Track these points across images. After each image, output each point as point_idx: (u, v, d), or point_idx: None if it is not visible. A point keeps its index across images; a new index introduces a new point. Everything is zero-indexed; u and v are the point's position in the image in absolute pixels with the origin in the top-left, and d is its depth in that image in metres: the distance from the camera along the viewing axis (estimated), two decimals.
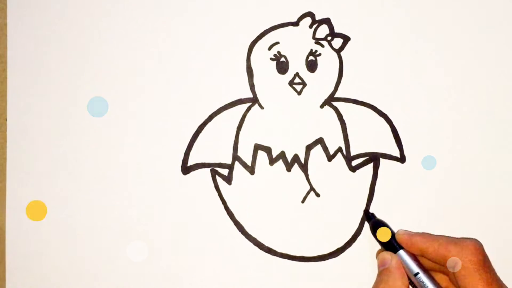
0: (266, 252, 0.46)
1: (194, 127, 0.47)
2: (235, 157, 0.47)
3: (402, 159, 0.46)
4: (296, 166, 0.46)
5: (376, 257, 0.44)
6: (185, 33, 0.47)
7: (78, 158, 0.46)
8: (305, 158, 0.46)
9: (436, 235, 0.41)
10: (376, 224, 0.43)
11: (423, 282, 0.40)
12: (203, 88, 0.47)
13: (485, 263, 0.39)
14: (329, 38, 0.46)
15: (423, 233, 0.42)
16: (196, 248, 0.46)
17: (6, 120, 0.47)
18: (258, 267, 0.46)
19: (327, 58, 0.46)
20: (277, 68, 0.46)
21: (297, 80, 0.46)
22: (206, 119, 0.47)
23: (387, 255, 0.42)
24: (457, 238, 0.40)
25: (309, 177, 0.46)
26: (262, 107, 0.47)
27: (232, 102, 0.47)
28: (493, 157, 0.46)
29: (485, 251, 0.40)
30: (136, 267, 0.46)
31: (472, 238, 0.40)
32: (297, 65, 0.46)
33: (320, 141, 0.46)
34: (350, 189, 0.46)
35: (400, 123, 0.46)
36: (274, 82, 0.47)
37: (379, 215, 0.46)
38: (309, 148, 0.46)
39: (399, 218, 0.46)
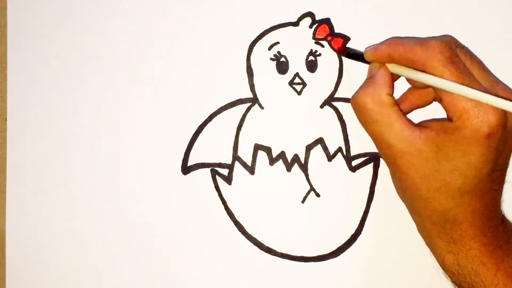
0: (266, 252, 0.46)
1: (194, 127, 0.47)
2: (235, 157, 0.47)
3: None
4: (296, 166, 0.46)
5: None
6: (185, 33, 0.47)
7: (78, 158, 0.46)
8: (305, 158, 0.46)
9: (404, 38, 0.39)
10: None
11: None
12: (203, 88, 0.47)
13: (453, 57, 0.36)
14: (329, 38, 0.46)
15: (390, 39, 0.39)
16: (196, 248, 0.46)
17: (6, 120, 0.47)
18: (258, 267, 0.46)
19: (327, 58, 0.46)
20: (277, 68, 0.46)
21: (297, 80, 0.46)
22: (206, 119, 0.47)
23: (376, 64, 0.39)
24: (425, 38, 0.38)
25: (309, 177, 0.46)
26: (262, 107, 0.47)
27: (232, 102, 0.47)
28: None
29: (458, 46, 0.38)
30: (136, 267, 0.46)
31: (443, 36, 0.39)
32: (297, 65, 0.46)
33: (320, 141, 0.46)
34: (350, 189, 0.46)
35: None
36: (274, 82, 0.47)
37: (379, 215, 0.46)
38: (309, 148, 0.46)
39: (399, 218, 0.46)
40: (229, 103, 0.47)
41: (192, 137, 0.46)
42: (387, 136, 0.38)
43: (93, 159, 0.46)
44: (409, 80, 0.40)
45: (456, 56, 0.37)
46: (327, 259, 0.46)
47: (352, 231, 0.46)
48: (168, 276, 0.46)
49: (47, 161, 0.46)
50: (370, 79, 0.39)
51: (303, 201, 0.46)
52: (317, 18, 0.46)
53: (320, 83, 0.46)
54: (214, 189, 0.47)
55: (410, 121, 0.38)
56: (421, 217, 0.39)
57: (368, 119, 0.39)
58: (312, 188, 0.46)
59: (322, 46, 0.46)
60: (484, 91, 0.36)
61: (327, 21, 0.46)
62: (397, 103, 0.39)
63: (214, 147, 0.47)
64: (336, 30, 0.46)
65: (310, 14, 0.46)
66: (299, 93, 0.46)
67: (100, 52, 0.47)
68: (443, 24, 0.46)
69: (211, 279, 0.46)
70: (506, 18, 0.47)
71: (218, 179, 0.46)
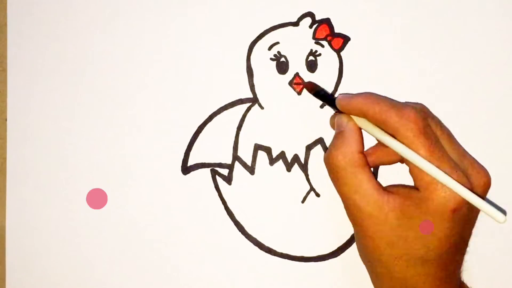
0: (266, 252, 0.46)
1: (194, 127, 0.47)
2: (235, 157, 0.47)
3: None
4: (296, 166, 0.46)
5: (331, 121, 0.42)
6: (185, 33, 0.47)
7: (78, 158, 0.46)
8: (305, 158, 0.46)
9: (382, 97, 0.39)
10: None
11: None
12: (203, 88, 0.47)
13: (425, 129, 0.36)
14: (329, 38, 0.46)
15: (367, 93, 0.39)
16: (196, 248, 0.46)
17: (6, 120, 0.47)
18: (258, 267, 0.46)
19: (327, 58, 0.46)
20: (277, 68, 0.46)
21: (297, 80, 0.46)
22: (206, 119, 0.47)
23: (344, 117, 0.40)
24: (402, 103, 0.38)
25: (309, 177, 0.46)
26: (262, 107, 0.47)
27: (232, 102, 0.47)
28: (493, 157, 0.46)
29: (430, 116, 0.38)
30: (136, 267, 0.46)
31: (416, 104, 0.39)
32: (297, 65, 0.46)
33: (320, 141, 0.46)
34: None
35: None
36: (274, 82, 0.47)
37: None
38: (309, 148, 0.46)
39: None
40: (229, 103, 0.47)
41: (192, 137, 0.46)
42: (357, 198, 0.38)
43: (93, 159, 0.46)
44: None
45: (429, 127, 0.37)
46: (327, 259, 0.46)
47: (352, 231, 0.46)
48: (168, 276, 0.46)
49: (47, 161, 0.46)
50: (340, 135, 0.39)
51: (303, 201, 0.46)
52: (317, 18, 0.46)
53: (320, 83, 0.46)
54: (214, 189, 0.47)
55: (379, 185, 0.38)
56: (381, 282, 0.39)
57: (339, 178, 0.38)
58: (312, 188, 0.46)
59: (322, 46, 0.46)
60: (451, 167, 0.35)
61: (327, 21, 0.46)
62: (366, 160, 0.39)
63: (214, 147, 0.47)
64: (336, 30, 0.46)
65: (310, 14, 0.46)
66: (299, 93, 0.46)
67: (100, 52, 0.47)
68: (443, 24, 0.46)
69: (211, 279, 0.46)
70: (506, 17, 0.47)
71: (218, 179, 0.47)
